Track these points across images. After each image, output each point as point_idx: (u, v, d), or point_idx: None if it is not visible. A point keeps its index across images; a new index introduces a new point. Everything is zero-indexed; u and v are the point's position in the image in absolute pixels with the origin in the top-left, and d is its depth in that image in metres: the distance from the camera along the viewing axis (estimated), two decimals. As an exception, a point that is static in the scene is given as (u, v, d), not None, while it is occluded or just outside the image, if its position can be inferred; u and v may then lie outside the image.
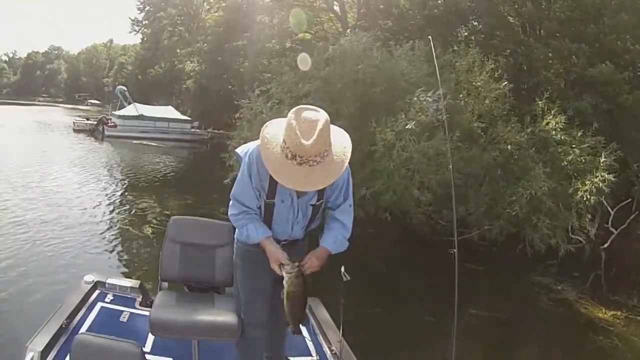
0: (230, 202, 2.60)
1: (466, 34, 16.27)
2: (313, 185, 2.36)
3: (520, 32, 15.33)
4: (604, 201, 11.20)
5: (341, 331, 3.17)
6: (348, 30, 17.32)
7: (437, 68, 5.14)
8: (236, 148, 2.78)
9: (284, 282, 2.47)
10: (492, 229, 10.16)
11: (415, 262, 9.83)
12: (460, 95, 10.76)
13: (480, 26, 16.24)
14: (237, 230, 2.72)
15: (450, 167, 4.29)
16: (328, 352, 3.34)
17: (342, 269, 2.85)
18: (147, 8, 44.93)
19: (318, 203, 2.60)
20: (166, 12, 42.53)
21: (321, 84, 10.88)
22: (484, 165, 10.07)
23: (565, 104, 11.68)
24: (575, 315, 8.09)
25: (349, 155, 2.39)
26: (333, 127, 2.39)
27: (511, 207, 9.80)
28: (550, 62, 14.48)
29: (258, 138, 2.46)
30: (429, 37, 6.69)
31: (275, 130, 2.39)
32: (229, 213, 2.62)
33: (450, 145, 9.00)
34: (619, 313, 8.11)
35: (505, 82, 10.87)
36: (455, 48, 11.43)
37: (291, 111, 2.32)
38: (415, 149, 9.36)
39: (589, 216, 10.65)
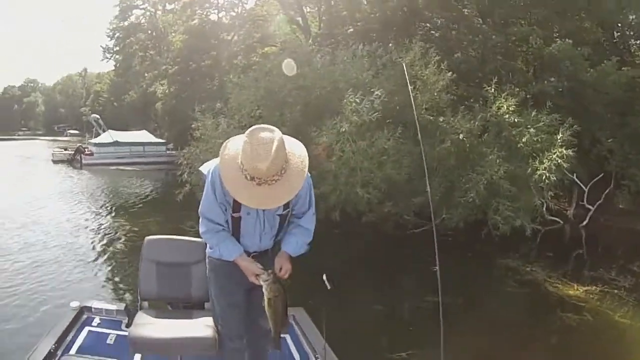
0: (200, 220, 2.62)
1: (425, 29, 16.43)
2: (275, 202, 2.41)
3: (480, 23, 15.46)
4: (576, 179, 11.24)
5: (325, 338, 3.16)
6: (310, 40, 17.44)
7: (406, 72, 5.54)
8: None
9: (263, 289, 2.49)
10: (451, 217, 10.15)
11: (386, 258, 9.74)
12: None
13: (439, 22, 16.43)
14: (208, 246, 2.74)
15: (427, 183, 3.85)
16: None
17: (324, 276, 2.85)
18: (117, 34, 44.66)
19: (285, 212, 2.62)
20: (136, 37, 42.30)
21: (265, 94, 11.10)
22: (435, 156, 10.08)
23: (528, 87, 11.76)
24: (548, 295, 8.04)
25: (306, 165, 2.43)
26: (287, 139, 2.42)
27: (467, 195, 9.82)
28: (511, 47, 14.60)
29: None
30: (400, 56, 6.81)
31: (233, 150, 2.42)
32: (200, 231, 2.65)
33: (395, 142, 9.11)
34: (593, 289, 8.12)
35: (450, 73, 10.93)
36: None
37: (246, 132, 2.36)
38: (352, 149, 9.54)
39: (551, 194, 10.71)
